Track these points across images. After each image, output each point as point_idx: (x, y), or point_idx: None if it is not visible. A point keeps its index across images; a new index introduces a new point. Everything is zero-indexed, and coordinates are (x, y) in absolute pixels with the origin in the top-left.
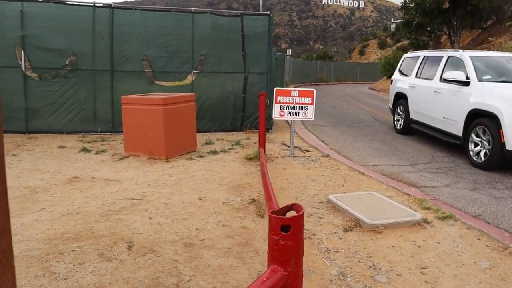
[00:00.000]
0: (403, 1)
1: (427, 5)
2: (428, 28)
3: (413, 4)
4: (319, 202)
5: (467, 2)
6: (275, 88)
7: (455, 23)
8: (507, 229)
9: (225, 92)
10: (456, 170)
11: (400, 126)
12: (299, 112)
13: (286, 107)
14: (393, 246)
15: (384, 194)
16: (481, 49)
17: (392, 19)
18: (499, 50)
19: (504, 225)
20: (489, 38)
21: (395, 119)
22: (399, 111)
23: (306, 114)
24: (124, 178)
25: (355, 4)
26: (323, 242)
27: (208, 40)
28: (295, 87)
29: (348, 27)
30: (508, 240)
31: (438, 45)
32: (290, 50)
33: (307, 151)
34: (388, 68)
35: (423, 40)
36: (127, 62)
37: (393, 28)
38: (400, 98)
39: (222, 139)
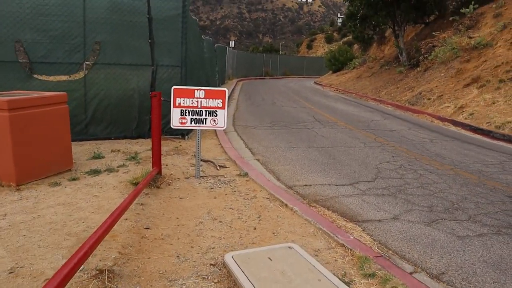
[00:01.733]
0: None
1: None
2: (372, 22)
3: None
4: (210, 265)
5: None
6: (173, 87)
7: (399, 16)
8: None
9: (128, 90)
10: (406, 190)
11: None
12: (205, 119)
13: (189, 112)
14: None
15: (310, 247)
16: (425, 44)
17: (339, 14)
18: (443, 45)
19: None
20: (433, 33)
21: None
22: None
23: (216, 122)
24: None
25: None
26: None
27: (105, 24)
28: (238, 81)
29: (297, 21)
30: None
31: (382, 39)
32: (234, 42)
33: (222, 166)
34: (333, 62)
35: (367, 34)
36: None
37: (340, 23)
38: None
39: (119, 151)
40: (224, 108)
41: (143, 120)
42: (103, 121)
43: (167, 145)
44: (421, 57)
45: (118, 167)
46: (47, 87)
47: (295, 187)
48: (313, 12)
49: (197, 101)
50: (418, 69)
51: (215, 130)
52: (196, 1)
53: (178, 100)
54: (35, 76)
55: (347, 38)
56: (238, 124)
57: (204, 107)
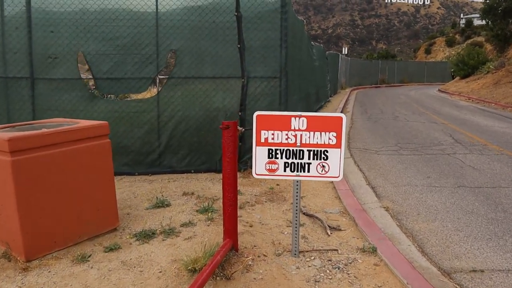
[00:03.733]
0: None
1: None
2: None
3: None
4: None
5: None
6: (256, 114)
7: None
8: None
9: (211, 110)
10: None
11: None
12: (308, 165)
13: (282, 153)
14: None
15: None
16: None
17: (462, 14)
18: None
19: None
20: None
21: None
22: None
23: (326, 169)
24: None
25: (420, 1)
26: None
27: (181, 27)
28: (351, 90)
29: (413, 25)
30: None
31: None
32: (347, 49)
33: (334, 228)
34: (461, 67)
35: (510, 31)
36: (55, 64)
37: (463, 24)
38: None
39: (192, 194)
40: (340, 147)
41: None
42: (181, 150)
43: (258, 184)
44: None
45: (182, 225)
46: (113, 108)
47: (455, 273)
48: (431, 14)
49: (295, 135)
50: None
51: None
52: (308, 11)
53: (264, 134)
54: (100, 95)
55: (472, 39)
56: (355, 146)
57: (306, 145)
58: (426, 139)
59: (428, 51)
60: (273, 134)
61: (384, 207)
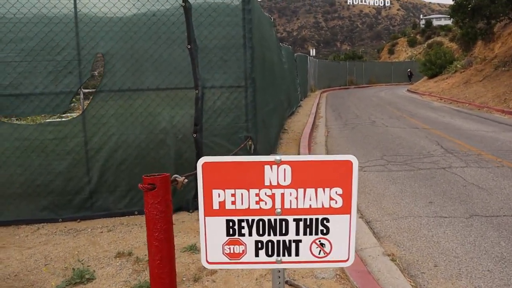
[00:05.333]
0: None
1: None
2: (487, 13)
3: None
4: None
5: None
6: (201, 161)
7: None
8: None
9: (156, 132)
10: None
11: None
12: (297, 244)
13: (251, 227)
14: None
15: None
16: None
17: (421, 15)
18: None
19: None
20: None
21: None
22: None
23: (327, 249)
24: None
25: (381, 3)
26: None
27: (110, 24)
28: (321, 92)
29: (375, 27)
30: None
31: (490, 36)
32: (314, 50)
33: None
34: (429, 67)
35: (480, 29)
36: None
37: (423, 24)
38: None
39: (130, 254)
40: (350, 212)
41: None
42: (119, 186)
43: None
44: None
45: None
46: (22, 135)
47: None
48: (391, 16)
49: (273, 196)
50: None
51: None
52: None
53: (217, 196)
54: (2, 118)
55: (432, 39)
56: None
57: (292, 212)
58: (413, 149)
59: (391, 52)
60: (233, 195)
61: (389, 255)
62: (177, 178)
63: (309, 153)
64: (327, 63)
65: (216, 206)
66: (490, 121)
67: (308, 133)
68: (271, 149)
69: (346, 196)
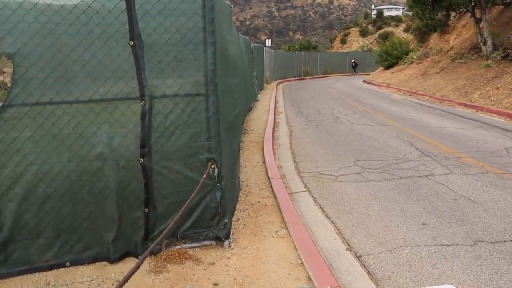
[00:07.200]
0: None
1: None
2: (445, 4)
3: None
4: None
5: None
6: None
7: None
8: None
9: (91, 159)
10: None
11: None
12: None
13: None
14: None
15: None
16: None
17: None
18: None
19: None
20: None
21: None
22: None
23: None
24: None
25: None
26: None
27: (20, 12)
28: (277, 84)
29: (327, 16)
30: None
31: (445, 28)
32: (270, 41)
33: None
34: (385, 58)
35: (439, 20)
36: None
37: (374, 15)
38: None
39: None
40: None
41: (131, 219)
42: (43, 232)
43: (186, 282)
44: None
45: None
46: None
47: None
48: (343, 6)
49: None
50: None
51: (275, 196)
52: None
53: None
54: None
55: (383, 30)
56: (305, 168)
57: None
58: (386, 151)
59: (343, 41)
60: None
61: None
62: None
63: (274, 159)
64: (282, 54)
65: None
66: (456, 117)
67: (271, 134)
68: (234, 160)
69: None
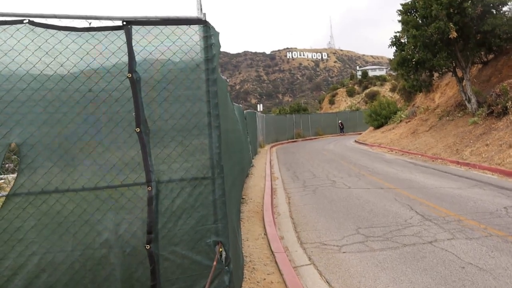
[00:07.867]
0: (393, 36)
1: (429, 37)
2: (428, 66)
3: (408, 38)
4: None
5: (477, 29)
6: None
7: (463, 57)
8: None
9: (95, 247)
10: None
11: None
12: None
13: None
14: None
15: None
16: (500, 92)
17: (358, 67)
18: None
19: None
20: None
21: None
22: None
23: None
24: None
25: (319, 56)
26: None
27: (29, 103)
28: (270, 147)
29: (314, 78)
30: None
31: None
32: (261, 105)
33: None
34: (374, 118)
35: (424, 81)
36: None
37: (360, 75)
38: None
39: None
40: None
41: None
42: None
43: None
44: (510, 102)
45: None
46: None
47: None
48: (329, 68)
49: None
50: (510, 117)
51: (280, 273)
52: None
53: None
54: None
55: (369, 89)
56: (308, 239)
57: None
58: (387, 216)
59: (332, 102)
60: None
61: None
62: None
63: (275, 229)
64: (274, 118)
65: None
66: (450, 175)
67: (269, 203)
68: (236, 235)
69: None
